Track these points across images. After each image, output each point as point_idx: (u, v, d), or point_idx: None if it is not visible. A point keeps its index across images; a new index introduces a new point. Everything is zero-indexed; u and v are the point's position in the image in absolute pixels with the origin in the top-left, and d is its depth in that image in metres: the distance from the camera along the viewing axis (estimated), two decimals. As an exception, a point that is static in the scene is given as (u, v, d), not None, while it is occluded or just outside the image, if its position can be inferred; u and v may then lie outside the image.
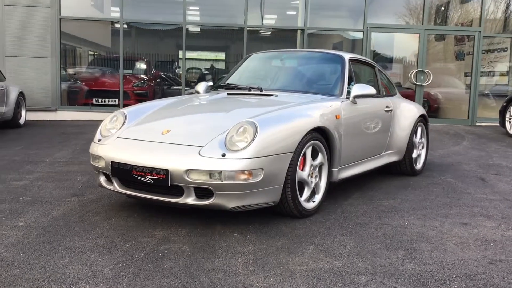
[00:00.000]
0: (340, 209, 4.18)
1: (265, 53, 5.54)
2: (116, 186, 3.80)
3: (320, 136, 3.97)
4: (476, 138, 9.69)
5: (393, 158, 5.39)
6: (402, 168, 5.59)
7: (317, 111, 4.03)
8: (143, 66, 13.34)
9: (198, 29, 12.80)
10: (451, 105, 13.06)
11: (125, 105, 10.78)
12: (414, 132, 5.57)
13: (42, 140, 8.17)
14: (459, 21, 12.88)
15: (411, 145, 5.50)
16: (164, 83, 13.41)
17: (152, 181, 3.48)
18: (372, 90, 4.55)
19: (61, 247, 3.17)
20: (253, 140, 3.42)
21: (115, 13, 12.06)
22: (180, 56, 12.34)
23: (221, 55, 14.34)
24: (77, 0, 12.37)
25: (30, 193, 4.53)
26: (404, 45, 13.00)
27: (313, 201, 3.98)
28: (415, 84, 12.25)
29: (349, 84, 4.72)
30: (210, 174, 3.35)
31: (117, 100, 11.84)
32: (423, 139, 5.91)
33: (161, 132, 3.76)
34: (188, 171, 3.37)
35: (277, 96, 4.46)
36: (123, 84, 11.85)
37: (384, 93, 5.52)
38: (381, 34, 12.40)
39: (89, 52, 13.58)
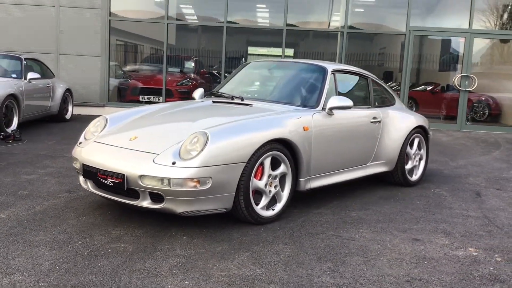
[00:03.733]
0: (305, 218, 4.31)
1: (260, 62, 5.73)
2: (90, 187, 4.15)
3: (282, 147, 4.13)
4: None
5: (382, 169, 5.42)
6: (395, 179, 5.61)
7: (281, 122, 4.18)
8: (191, 64, 13.82)
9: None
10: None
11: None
12: (408, 143, 5.56)
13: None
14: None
15: (403, 156, 5.50)
16: (216, 81, 13.77)
17: (112, 184, 3.80)
18: (349, 103, 4.63)
19: (21, 240, 3.55)
20: (202, 150, 3.65)
21: (159, 9, 12.49)
22: (250, 52, 12.59)
23: (289, 52, 14.46)
24: (126, 2, 12.97)
25: (30, 187, 4.98)
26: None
27: (273, 209, 4.14)
28: (459, 89, 11.91)
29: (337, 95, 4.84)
30: (161, 180, 3.61)
31: (161, 98, 12.36)
32: (421, 150, 5.87)
33: (129, 139, 4.06)
34: (141, 177, 3.66)
35: (252, 106, 4.65)
36: (166, 82, 12.35)
37: (377, 103, 5.54)
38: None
39: (140, 50, 14.22)
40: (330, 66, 5.01)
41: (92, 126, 4.50)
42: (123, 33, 13.15)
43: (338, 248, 3.63)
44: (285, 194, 4.24)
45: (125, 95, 12.97)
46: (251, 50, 13.32)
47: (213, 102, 5.01)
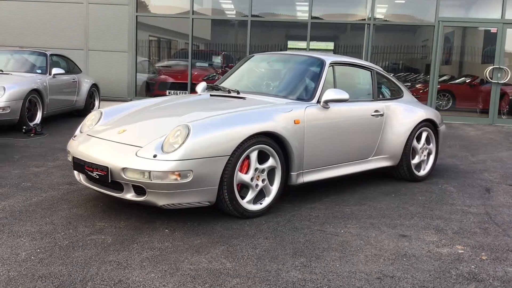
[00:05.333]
0: (295, 212, 4.26)
1: (264, 55, 5.67)
2: (82, 180, 4.23)
3: (271, 140, 4.08)
4: (541, 142, 8.97)
5: (386, 163, 5.29)
6: (401, 174, 5.47)
7: (270, 115, 4.14)
8: (219, 59, 13.88)
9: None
10: None
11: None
12: (414, 137, 5.40)
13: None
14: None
15: (408, 151, 5.35)
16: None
17: (98, 177, 3.86)
18: (344, 95, 4.54)
19: (7, 230, 3.64)
20: (184, 143, 3.65)
21: (184, 4, 12.53)
22: (290, 46, 12.60)
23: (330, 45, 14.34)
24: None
25: (34, 180, 5.11)
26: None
27: (260, 203, 4.11)
28: (491, 82, 11.50)
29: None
30: (142, 173, 3.64)
31: (187, 92, 12.46)
32: (430, 144, 5.70)
33: (118, 132, 4.11)
34: (124, 169, 3.69)
35: (245, 99, 4.62)
36: (192, 76, 12.44)
37: (381, 96, 5.41)
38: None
39: (169, 46, 14.37)
40: (329, 59, 4.92)
41: (87, 120, 4.58)
42: (153, 28, 13.32)
43: (318, 243, 3.57)
44: (274, 188, 4.20)
45: (153, 90, 13.16)
46: (291, 44, 13.25)
47: (211, 95, 5.01)
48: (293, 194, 4.74)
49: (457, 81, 13.37)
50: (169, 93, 12.73)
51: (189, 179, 3.65)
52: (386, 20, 12.41)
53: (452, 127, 11.00)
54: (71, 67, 10.45)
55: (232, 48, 13.87)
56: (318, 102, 4.58)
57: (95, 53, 12.35)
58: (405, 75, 13.45)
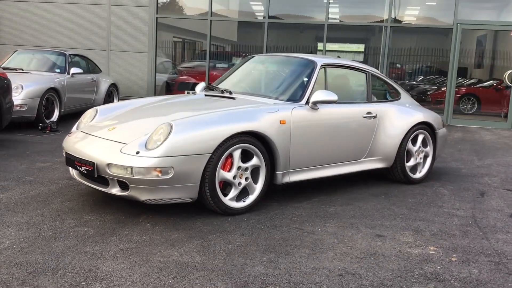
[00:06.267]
0: (279, 211, 4.35)
1: (262, 56, 5.77)
2: (74, 174, 4.42)
3: (255, 139, 4.18)
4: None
5: (378, 165, 5.32)
6: (396, 176, 5.49)
7: (254, 115, 4.23)
8: (238, 60, 14.03)
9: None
10: None
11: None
12: (409, 139, 5.42)
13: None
14: None
15: (402, 153, 5.37)
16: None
17: (86, 172, 4.03)
18: (333, 97, 4.60)
19: (-2, 221, 3.85)
20: (165, 140, 3.78)
21: (203, 4, 12.71)
22: (320, 48, 12.71)
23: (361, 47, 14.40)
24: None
25: (38, 174, 5.33)
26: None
27: (243, 201, 4.21)
28: (510, 86, 11.31)
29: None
30: (125, 169, 3.79)
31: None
32: (427, 147, 5.70)
33: (108, 129, 4.27)
34: (109, 165, 3.85)
35: (235, 99, 4.73)
36: (210, 77, 12.63)
37: (376, 98, 5.44)
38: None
39: (189, 47, 14.59)
40: (321, 60, 4.99)
41: (84, 117, 4.76)
42: (176, 30, 13.57)
43: (292, 240, 3.65)
44: (258, 187, 4.29)
45: (172, 90, 13.40)
46: (321, 46, 13.32)
47: (205, 95, 5.14)
48: (282, 193, 4.83)
49: (482, 84, 13.18)
50: (187, 93, 12.91)
51: (170, 176, 3.78)
52: (404, 22, 12.33)
53: (469, 131, 10.88)
54: (90, 67, 10.76)
55: (253, 49, 13.98)
56: (307, 103, 4.65)
57: (117, 54, 12.66)
58: (434, 78, 13.30)
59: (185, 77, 13.54)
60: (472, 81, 13.29)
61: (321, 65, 4.93)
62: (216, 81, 5.64)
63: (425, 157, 5.72)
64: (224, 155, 4.00)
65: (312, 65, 4.92)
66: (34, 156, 6.22)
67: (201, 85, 5.60)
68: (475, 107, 12.99)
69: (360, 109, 5.12)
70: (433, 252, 3.53)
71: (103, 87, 10.80)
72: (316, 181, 4.89)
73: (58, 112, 9.04)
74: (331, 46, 13.90)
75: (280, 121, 4.37)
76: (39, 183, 4.96)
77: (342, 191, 5.08)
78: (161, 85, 13.26)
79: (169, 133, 3.81)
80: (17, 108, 8.01)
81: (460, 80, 12.88)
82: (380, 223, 4.15)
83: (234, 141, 4.04)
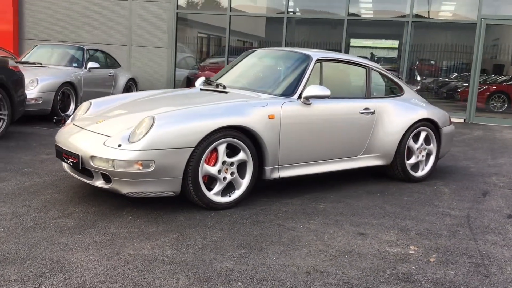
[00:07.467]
0: (266, 207, 4.29)
1: (264, 50, 5.70)
2: (65, 167, 4.47)
3: (241, 134, 4.14)
4: None
5: (377, 162, 5.21)
6: (395, 174, 5.36)
7: (241, 110, 4.19)
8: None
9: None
10: None
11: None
12: (410, 137, 5.28)
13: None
14: None
15: (403, 150, 5.24)
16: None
17: (72, 164, 4.07)
18: (325, 92, 4.52)
19: (-15, 210, 3.92)
20: (147, 133, 3.78)
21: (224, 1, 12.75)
22: (353, 44, 12.60)
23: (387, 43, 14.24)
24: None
25: (38, 166, 5.41)
26: None
27: (229, 196, 4.18)
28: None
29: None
30: (107, 161, 3.80)
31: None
32: (430, 145, 5.54)
33: (97, 122, 4.30)
34: (92, 158, 3.88)
35: (226, 93, 4.69)
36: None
37: (375, 94, 5.32)
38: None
39: (214, 42, 14.62)
40: (316, 55, 4.90)
41: (78, 110, 4.81)
42: (200, 25, 13.61)
43: (270, 237, 3.60)
44: (245, 182, 4.25)
45: (192, 85, 13.46)
46: (354, 42, 13.21)
47: (201, 89, 5.12)
48: (273, 189, 4.77)
49: (514, 81, 12.79)
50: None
51: (151, 169, 3.78)
52: (426, 17, 12.05)
53: (491, 129, 10.58)
54: (109, 62, 10.89)
55: (276, 45, 13.91)
56: (300, 98, 4.58)
57: (137, 49, 12.79)
58: (468, 75, 12.94)
59: (206, 72, 13.57)
60: (504, 78, 12.88)
61: (316, 60, 4.84)
62: (215, 75, 5.61)
63: (428, 155, 5.56)
64: (208, 149, 3.97)
65: (307, 59, 4.84)
66: (40, 148, 6.33)
67: (200, 80, 5.58)
68: (506, 105, 12.61)
69: (356, 105, 5.01)
70: (413, 252, 3.42)
71: (121, 81, 10.92)
72: (312, 178, 4.82)
73: (74, 105, 9.19)
74: (364, 42, 13.77)
75: (268, 115, 4.31)
76: (36, 175, 5.03)
77: (337, 188, 4.99)
78: (182, 80, 13.33)
79: (151, 126, 3.80)
80: (32, 102, 8.18)
81: (494, 77, 12.52)
82: (366, 221, 4.05)
83: (218, 135, 4.00)
